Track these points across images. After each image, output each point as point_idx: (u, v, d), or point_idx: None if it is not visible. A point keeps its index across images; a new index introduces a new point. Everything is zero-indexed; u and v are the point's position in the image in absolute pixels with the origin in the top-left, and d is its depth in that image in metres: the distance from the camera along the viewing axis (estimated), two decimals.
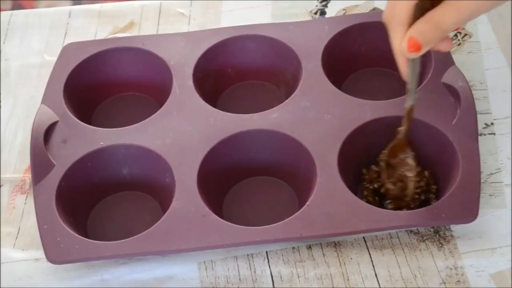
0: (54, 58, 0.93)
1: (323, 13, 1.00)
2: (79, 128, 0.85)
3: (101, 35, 1.00)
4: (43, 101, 0.88)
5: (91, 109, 0.92)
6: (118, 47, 0.92)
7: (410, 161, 0.79)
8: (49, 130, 0.84)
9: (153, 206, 0.83)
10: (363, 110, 0.82)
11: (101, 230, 0.82)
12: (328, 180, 0.78)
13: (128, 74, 0.92)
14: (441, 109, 0.82)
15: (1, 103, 0.94)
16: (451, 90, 0.83)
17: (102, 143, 0.83)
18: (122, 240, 0.76)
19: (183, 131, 0.83)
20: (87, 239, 0.77)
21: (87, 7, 1.04)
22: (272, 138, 0.83)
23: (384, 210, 0.77)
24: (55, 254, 0.75)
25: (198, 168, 0.80)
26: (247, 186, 0.84)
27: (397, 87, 0.89)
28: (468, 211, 0.75)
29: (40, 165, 0.81)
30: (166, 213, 0.77)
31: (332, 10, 0.99)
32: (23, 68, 0.97)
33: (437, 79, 0.84)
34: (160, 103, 0.87)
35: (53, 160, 0.82)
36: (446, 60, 0.86)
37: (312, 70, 0.87)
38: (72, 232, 0.77)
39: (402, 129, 0.77)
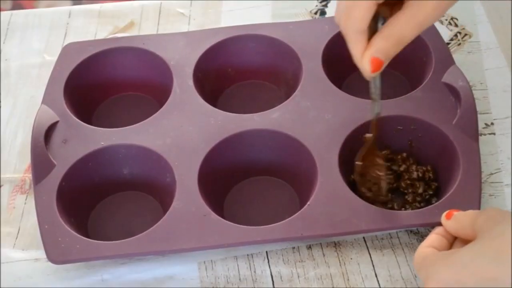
0: (54, 58, 0.93)
1: (323, 13, 1.00)
2: (79, 128, 0.85)
3: (101, 35, 1.00)
4: (43, 101, 0.87)
5: (92, 109, 0.92)
6: (118, 47, 0.92)
7: (379, 161, 0.79)
8: (50, 130, 0.84)
9: (154, 206, 0.83)
10: (364, 110, 0.82)
11: (102, 230, 0.82)
12: (329, 179, 0.78)
13: (128, 74, 0.92)
14: (441, 108, 0.82)
15: (1, 103, 0.94)
16: (452, 90, 0.83)
17: (102, 143, 0.83)
18: (123, 240, 0.76)
19: (183, 131, 0.83)
20: (88, 239, 0.77)
21: (87, 7, 1.04)
22: (273, 138, 0.83)
23: (385, 210, 0.77)
24: (56, 254, 0.75)
25: (198, 168, 0.80)
26: (248, 186, 0.84)
27: (397, 86, 0.89)
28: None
29: (40, 165, 0.81)
30: (167, 213, 0.77)
31: (332, 10, 0.99)
32: (23, 68, 0.97)
33: (437, 79, 0.84)
34: (161, 103, 0.87)
35: (53, 160, 0.82)
36: (446, 60, 0.86)
37: (313, 70, 0.87)
38: (73, 232, 0.76)
39: (369, 136, 0.77)
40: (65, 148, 0.83)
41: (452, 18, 0.96)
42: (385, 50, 0.67)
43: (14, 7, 1.91)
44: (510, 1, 0.84)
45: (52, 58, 0.97)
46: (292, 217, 0.76)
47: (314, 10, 1.00)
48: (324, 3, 1.01)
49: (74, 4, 1.90)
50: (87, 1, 1.93)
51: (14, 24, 1.03)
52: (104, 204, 0.84)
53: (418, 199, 0.79)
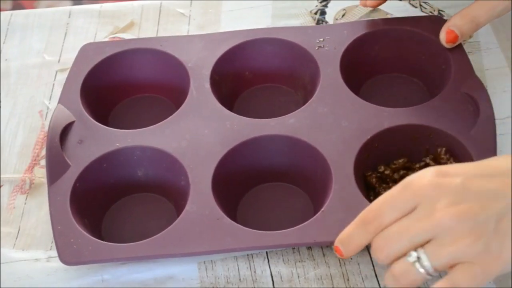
0: (54, 58, 0.93)
1: (323, 13, 1.00)
2: (95, 128, 0.84)
3: (101, 35, 1.00)
4: (60, 101, 0.87)
5: (108, 110, 0.91)
6: (135, 48, 0.92)
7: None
8: (66, 130, 0.84)
9: (168, 208, 0.82)
10: (381, 118, 0.82)
11: (115, 232, 0.81)
12: (344, 187, 0.77)
13: (145, 76, 0.92)
14: (459, 118, 0.81)
15: (1, 103, 0.94)
16: (470, 100, 0.82)
17: (118, 145, 0.82)
18: (137, 242, 0.75)
19: (199, 134, 0.83)
20: (100, 241, 0.76)
21: (87, 7, 1.04)
22: (289, 144, 0.82)
23: None
24: (69, 255, 0.75)
25: (213, 171, 0.79)
26: (262, 191, 0.83)
27: (415, 94, 0.88)
28: None
29: (55, 166, 0.81)
30: (180, 216, 0.77)
31: (332, 10, 0.99)
32: (23, 68, 0.97)
33: (456, 88, 0.83)
34: (177, 105, 0.87)
35: (68, 161, 0.81)
36: (466, 69, 0.85)
37: (331, 75, 0.86)
38: (85, 233, 0.76)
39: None
40: (80, 149, 0.82)
41: None
42: (459, 26, 0.84)
43: (14, 7, 1.91)
44: (511, 1, 0.84)
45: (52, 58, 0.97)
46: (306, 223, 0.75)
47: (314, 10, 1.00)
48: (324, 3, 1.01)
49: (74, 4, 1.91)
50: (87, 1, 1.93)
51: (14, 24, 1.03)
52: (118, 205, 0.84)
53: None
